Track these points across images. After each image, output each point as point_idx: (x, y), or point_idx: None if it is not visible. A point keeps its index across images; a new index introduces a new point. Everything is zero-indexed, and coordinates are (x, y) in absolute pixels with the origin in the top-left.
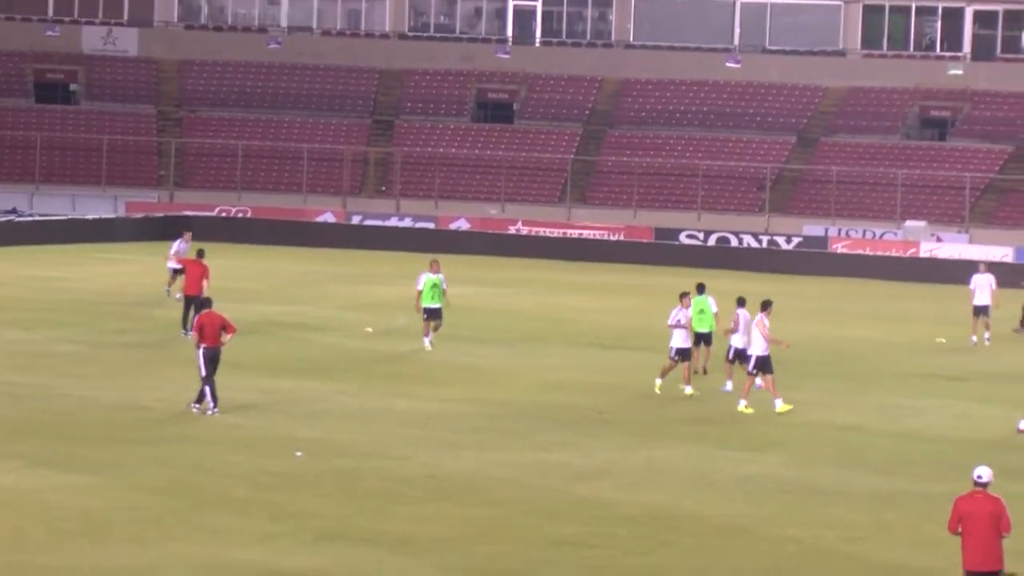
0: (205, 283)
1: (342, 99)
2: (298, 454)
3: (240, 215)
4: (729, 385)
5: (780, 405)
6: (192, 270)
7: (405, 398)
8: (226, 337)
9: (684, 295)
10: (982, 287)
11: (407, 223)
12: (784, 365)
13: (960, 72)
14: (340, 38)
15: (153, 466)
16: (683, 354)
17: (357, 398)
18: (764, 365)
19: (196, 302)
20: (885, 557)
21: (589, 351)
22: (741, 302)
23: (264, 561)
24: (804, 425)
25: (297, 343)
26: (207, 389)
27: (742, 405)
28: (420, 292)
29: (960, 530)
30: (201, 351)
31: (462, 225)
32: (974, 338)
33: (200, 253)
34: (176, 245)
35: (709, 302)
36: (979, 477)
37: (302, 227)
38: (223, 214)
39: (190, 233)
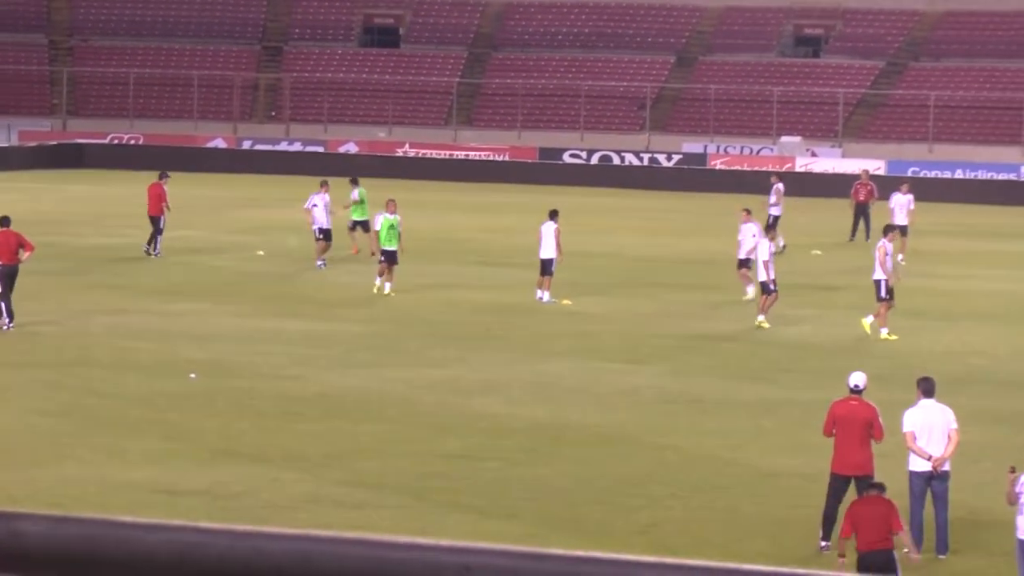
0: (164, 205)
1: (231, 26)
2: (192, 376)
3: (132, 142)
4: (544, 295)
5: (870, 322)
6: (153, 191)
7: (297, 319)
8: (24, 255)
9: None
10: (901, 206)
11: (297, 147)
12: (664, 277)
13: None
14: None
15: (48, 389)
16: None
17: (250, 320)
18: (891, 289)
19: (157, 222)
20: (763, 462)
21: (477, 269)
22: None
23: (160, 479)
24: (685, 337)
25: (190, 267)
26: (2, 305)
27: (884, 333)
28: (378, 233)
29: (834, 433)
30: None
31: (351, 148)
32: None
33: (162, 175)
34: (312, 198)
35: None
36: (856, 386)
37: (193, 153)
38: (116, 141)
39: (328, 183)
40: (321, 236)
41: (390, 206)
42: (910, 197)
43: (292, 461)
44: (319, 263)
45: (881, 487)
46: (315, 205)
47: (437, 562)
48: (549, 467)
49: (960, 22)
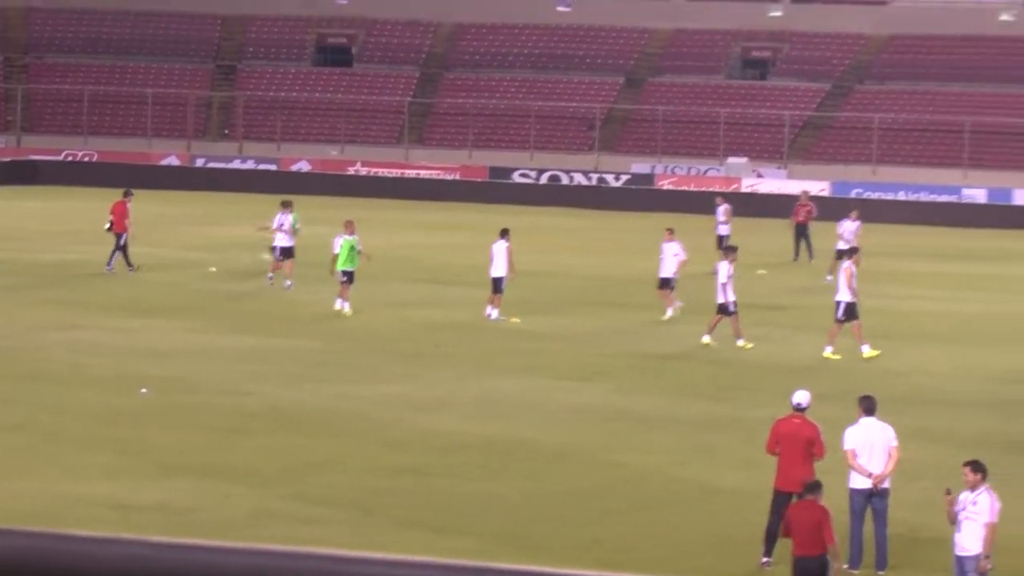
0: (127, 221)
1: (186, 45)
2: (143, 391)
3: (87, 159)
4: (493, 313)
5: (867, 351)
6: (118, 209)
7: (249, 335)
8: None
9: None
10: (850, 232)
11: (250, 165)
12: (612, 296)
13: (780, 14)
14: None
15: (1, 404)
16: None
17: (203, 336)
18: (851, 312)
19: (119, 239)
20: (709, 479)
21: (427, 287)
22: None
23: (112, 494)
24: (632, 355)
25: (144, 283)
26: None
27: (828, 351)
28: (336, 256)
29: (777, 451)
30: None
31: (303, 167)
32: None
33: (126, 193)
34: (279, 219)
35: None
36: (798, 404)
37: (147, 170)
38: (70, 158)
39: (292, 203)
40: (281, 256)
41: (348, 227)
42: (859, 223)
43: (244, 476)
44: (270, 276)
45: (817, 488)
46: (282, 224)
47: None
48: (499, 483)
49: (904, 46)
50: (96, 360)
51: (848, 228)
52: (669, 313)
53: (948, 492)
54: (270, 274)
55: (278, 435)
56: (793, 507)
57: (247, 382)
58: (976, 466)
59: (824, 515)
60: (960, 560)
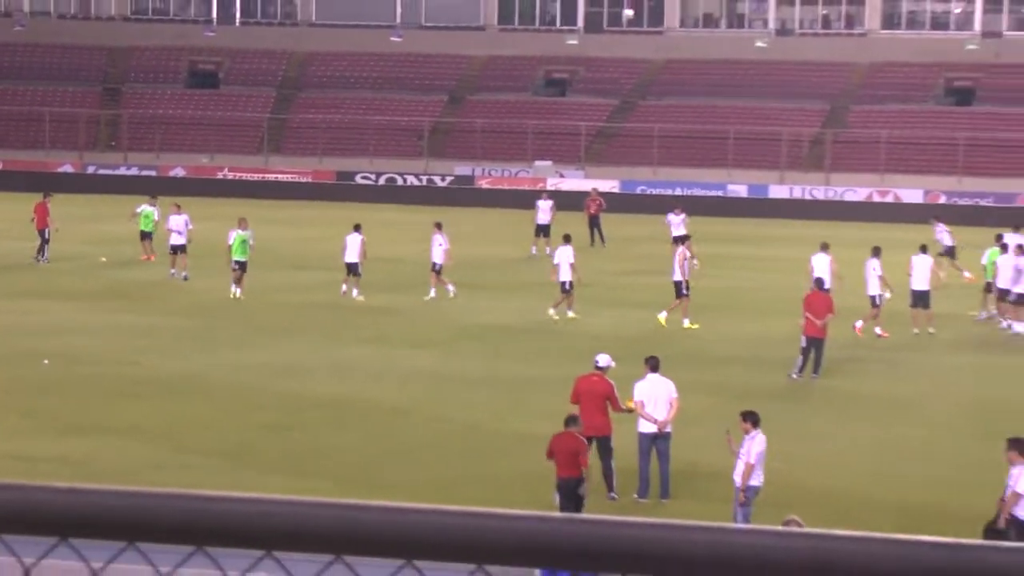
0: (49, 219)
1: (78, 71)
2: (45, 362)
3: None
4: (351, 291)
5: (662, 317)
6: (40, 209)
7: (134, 314)
8: None
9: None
10: (676, 224)
11: (133, 171)
12: (418, 277)
13: (576, 42)
14: (74, 21)
15: None
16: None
17: (96, 315)
18: (679, 288)
19: (44, 234)
20: (525, 429)
21: (286, 273)
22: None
23: (18, 450)
24: (457, 327)
25: (44, 272)
26: None
27: (686, 323)
28: (231, 246)
29: (579, 402)
30: None
31: (179, 172)
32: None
33: (46, 195)
34: (169, 220)
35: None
36: (597, 362)
37: (45, 177)
38: None
39: (180, 206)
40: (172, 251)
41: (242, 223)
42: (684, 216)
43: (135, 433)
44: (172, 272)
45: (574, 422)
46: (174, 227)
47: (242, 512)
48: (348, 436)
49: (679, 68)
50: (3, 337)
51: (674, 220)
52: (448, 291)
53: (727, 432)
54: (174, 271)
55: (161, 399)
56: (556, 437)
57: (133, 353)
58: (747, 415)
59: (580, 445)
60: (737, 491)
